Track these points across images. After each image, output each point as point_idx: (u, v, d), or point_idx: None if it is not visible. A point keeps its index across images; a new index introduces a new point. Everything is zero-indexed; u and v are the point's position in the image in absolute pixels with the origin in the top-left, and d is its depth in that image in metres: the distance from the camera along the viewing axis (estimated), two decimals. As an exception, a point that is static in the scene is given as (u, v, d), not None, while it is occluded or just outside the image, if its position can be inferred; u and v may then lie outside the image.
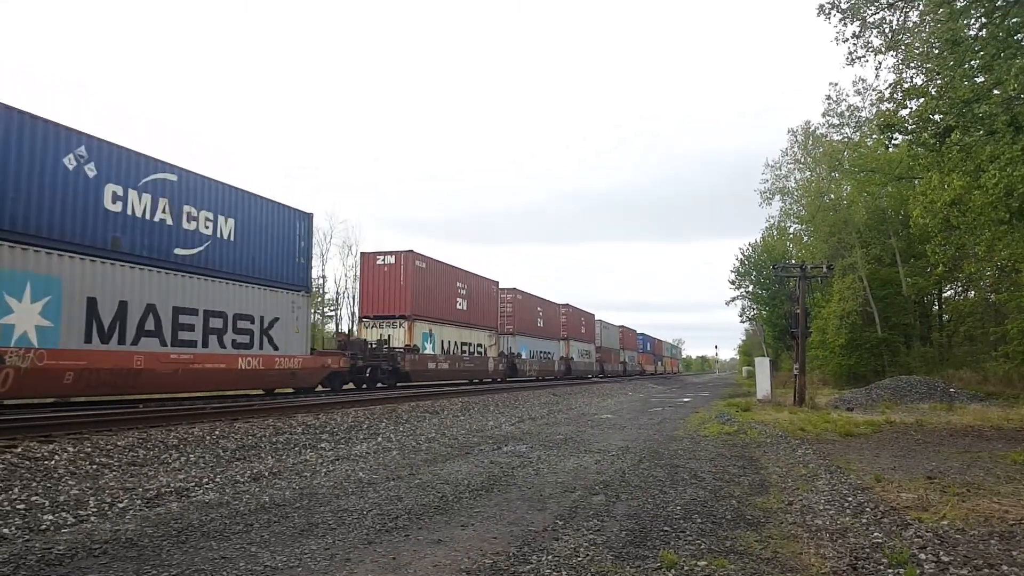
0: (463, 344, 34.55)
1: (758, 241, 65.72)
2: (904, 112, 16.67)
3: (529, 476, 9.30)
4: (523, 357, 43.47)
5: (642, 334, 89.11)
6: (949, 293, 41.05)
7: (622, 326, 75.44)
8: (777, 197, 46.22)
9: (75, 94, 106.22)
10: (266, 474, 9.32)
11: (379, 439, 13.38)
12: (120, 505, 7.22)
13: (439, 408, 19.44)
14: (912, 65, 16.87)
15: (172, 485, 8.25)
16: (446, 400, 21.76)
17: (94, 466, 9.03)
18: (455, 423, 16.90)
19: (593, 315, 62.08)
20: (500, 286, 40.42)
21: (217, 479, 8.82)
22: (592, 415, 20.72)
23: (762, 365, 29.44)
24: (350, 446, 12.40)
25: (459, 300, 34.26)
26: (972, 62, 14.75)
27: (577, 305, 57.47)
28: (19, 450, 9.03)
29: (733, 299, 72.15)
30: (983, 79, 14.76)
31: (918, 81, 16.63)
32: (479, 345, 36.66)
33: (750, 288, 68.71)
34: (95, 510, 6.97)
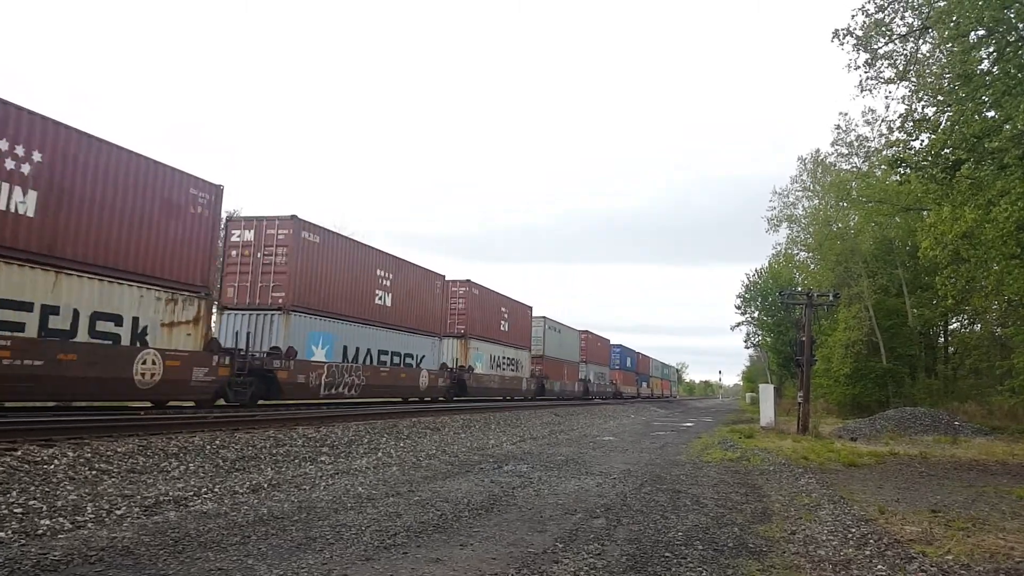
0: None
1: (765, 268, 65.62)
2: (915, 145, 16.70)
3: (530, 497, 9.23)
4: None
5: (619, 346, 70.02)
6: (955, 325, 40.87)
7: (585, 331, 55.71)
8: (784, 224, 46.16)
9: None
10: (265, 486, 9.27)
11: (379, 454, 13.32)
12: (118, 512, 7.17)
13: (440, 424, 19.35)
14: (922, 96, 16.89)
15: (171, 494, 8.20)
16: (447, 417, 21.66)
17: (93, 472, 8.99)
18: (455, 440, 16.82)
19: (530, 308, 42.86)
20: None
21: (216, 489, 8.78)
22: (594, 436, 20.61)
23: (766, 392, 29.30)
24: (350, 460, 12.34)
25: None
26: (983, 96, 14.77)
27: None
28: (19, 453, 8.99)
29: (738, 324, 71.86)
30: (994, 114, 14.78)
31: (928, 112, 16.66)
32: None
33: (755, 314, 68.49)
34: (92, 516, 6.92)
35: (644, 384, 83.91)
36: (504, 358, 37.80)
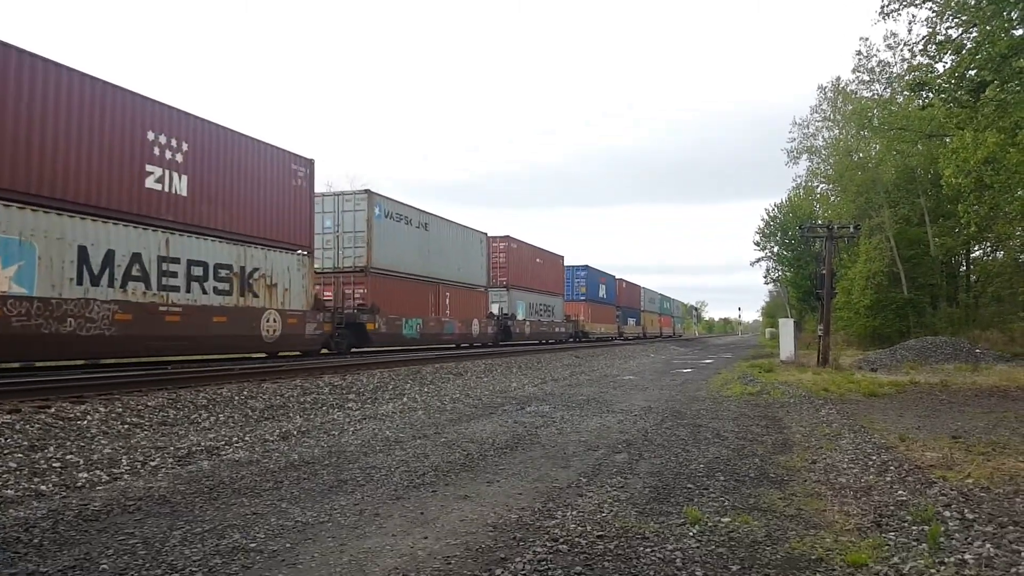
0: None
1: (784, 201, 64.81)
2: (938, 68, 16.25)
3: (553, 435, 9.39)
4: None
5: (584, 267, 51.95)
6: (978, 253, 40.36)
7: (505, 237, 36.77)
8: (804, 156, 45.42)
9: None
10: (295, 433, 9.49)
11: (404, 399, 13.54)
12: (152, 463, 7.39)
13: (462, 370, 19.59)
14: (947, 16, 16.35)
15: (202, 444, 8.42)
16: (469, 362, 21.91)
17: (125, 426, 9.23)
18: (479, 384, 17.04)
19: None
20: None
21: (246, 438, 9.00)
22: (614, 376, 20.79)
23: (786, 326, 29.29)
24: (376, 406, 12.56)
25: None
26: (1011, 13, 14.28)
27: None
28: (52, 410, 9.24)
29: (758, 260, 71.44)
30: (1022, 32, 14.31)
31: (953, 33, 16.16)
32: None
33: (775, 249, 67.92)
34: (128, 468, 7.14)
35: (632, 321, 66.62)
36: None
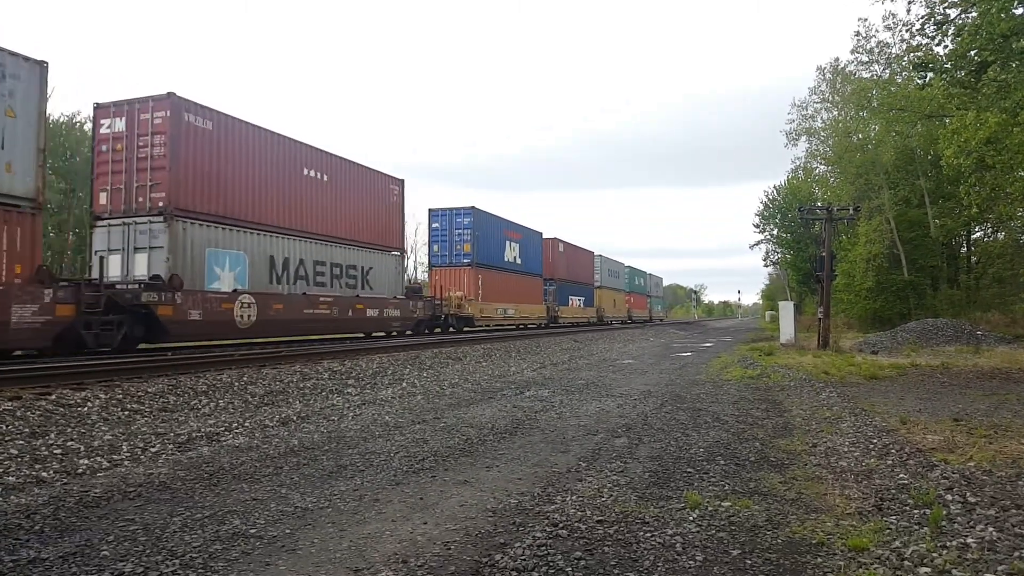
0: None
1: (783, 183, 64.57)
2: (938, 49, 16.12)
3: (552, 420, 9.38)
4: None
5: (469, 210, 35.47)
6: (979, 234, 40.23)
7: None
8: (803, 138, 45.08)
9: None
10: (294, 418, 9.49)
11: (403, 384, 13.54)
12: (152, 450, 7.38)
13: (461, 355, 19.59)
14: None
15: (202, 430, 8.42)
16: (468, 347, 21.91)
17: (126, 412, 9.23)
18: (477, 369, 17.04)
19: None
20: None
21: (246, 424, 8.99)
22: (613, 360, 20.79)
23: (786, 309, 29.29)
24: (376, 391, 12.56)
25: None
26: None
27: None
28: (53, 397, 9.24)
29: (757, 243, 71.10)
30: (1022, 11, 14.17)
31: (951, 13, 16.00)
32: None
33: (774, 232, 67.69)
34: (128, 454, 7.14)
35: (578, 300, 51.16)
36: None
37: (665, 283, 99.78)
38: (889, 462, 6.57)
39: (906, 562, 4.07)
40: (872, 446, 7.33)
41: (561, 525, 4.80)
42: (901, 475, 6.05)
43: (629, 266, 70.69)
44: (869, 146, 38.40)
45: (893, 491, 5.56)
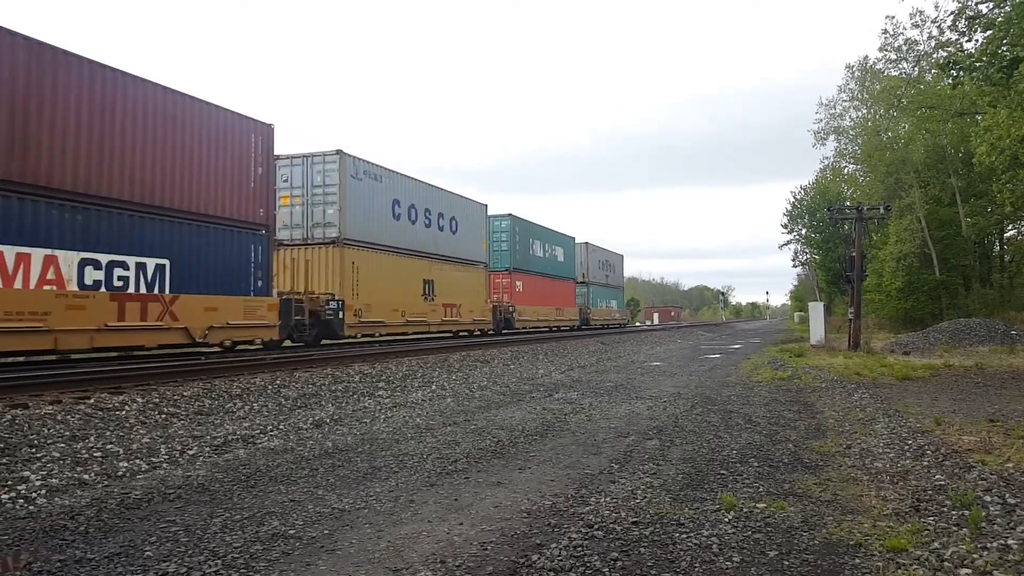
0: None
1: (811, 183, 63.92)
2: (969, 46, 15.90)
3: (582, 422, 9.39)
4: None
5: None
6: (1012, 232, 39.60)
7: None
8: (832, 137, 44.67)
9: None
10: (328, 421, 9.60)
11: (433, 387, 13.62)
12: (190, 452, 7.52)
13: (489, 357, 19.65)
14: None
15: (238, 433, 8.55)
16: (495, 349, 21.97)
17: (163, 415, 9.39)
18: (505, 371, 17.09)
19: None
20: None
21: (281, 426, 9.12)
22: (641, 363, 20.74)
23: (815, 310, 28.99)
24: (406, 394, 12.65)
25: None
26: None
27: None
28: (92, 401, 9.43)
29: (786, 243, 70.54)
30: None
31: (983, 8, 15.78)
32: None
33: (803, 232, 67.07)
34: (167, 457, 7.27)
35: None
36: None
37: (691, 284, 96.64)
38: (925, 463, 6.50)
39: (946, 563, 4.04)
40: (907, 447, 7.25)
41: (596, 526, 4.82)
42: (938, 476, 5.99)
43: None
44: (899, 144, 37.92)
45: (930, 492, 5.50)
